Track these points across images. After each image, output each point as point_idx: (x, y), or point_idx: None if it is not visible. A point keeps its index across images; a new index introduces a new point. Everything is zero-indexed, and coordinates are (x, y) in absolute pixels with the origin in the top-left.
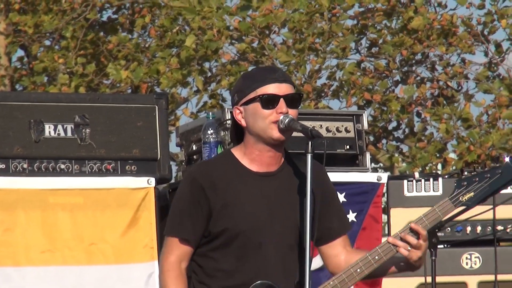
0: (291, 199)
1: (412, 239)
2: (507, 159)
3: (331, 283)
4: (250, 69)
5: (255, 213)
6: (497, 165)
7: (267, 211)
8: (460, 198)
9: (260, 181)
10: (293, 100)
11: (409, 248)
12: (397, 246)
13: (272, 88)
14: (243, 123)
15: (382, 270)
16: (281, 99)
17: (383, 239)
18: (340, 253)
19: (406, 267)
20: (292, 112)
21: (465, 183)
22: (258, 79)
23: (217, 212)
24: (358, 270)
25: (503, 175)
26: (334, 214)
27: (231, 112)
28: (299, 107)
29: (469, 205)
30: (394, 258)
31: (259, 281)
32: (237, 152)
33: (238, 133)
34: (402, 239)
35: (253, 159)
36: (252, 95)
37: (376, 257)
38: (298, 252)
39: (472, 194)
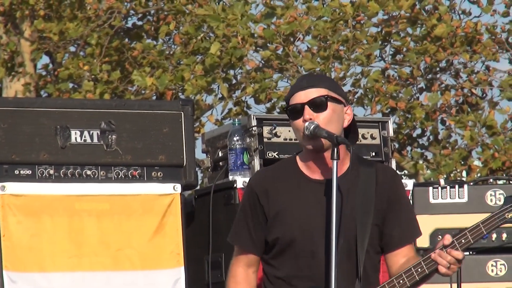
0: (349, 205)
1: (458, 254)
2: None
3: None
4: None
5: (307, 221)
6: None
7: (320, 219)
8: (506, 215)
9: (316, 188)
10: (319, 104)
11: (449, 265)
12: (437, 262)
13: (296, 98)
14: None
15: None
16: (305, 106)
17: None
18: (398, 262)
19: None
20: (321, 116)
21: None
22: (289, 92)
23: (271, 219)
24: (401, 281)
25: None
26: (397, 222)
27: (256, 119)
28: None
29: None
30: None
31: None
32: (300, 158)
33: None
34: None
35: (309, 166)
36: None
37: (419, 270)
38: (355, 260)
39: None
